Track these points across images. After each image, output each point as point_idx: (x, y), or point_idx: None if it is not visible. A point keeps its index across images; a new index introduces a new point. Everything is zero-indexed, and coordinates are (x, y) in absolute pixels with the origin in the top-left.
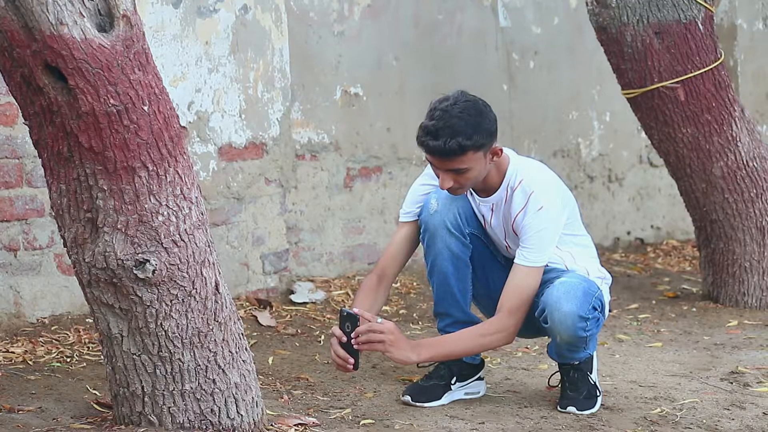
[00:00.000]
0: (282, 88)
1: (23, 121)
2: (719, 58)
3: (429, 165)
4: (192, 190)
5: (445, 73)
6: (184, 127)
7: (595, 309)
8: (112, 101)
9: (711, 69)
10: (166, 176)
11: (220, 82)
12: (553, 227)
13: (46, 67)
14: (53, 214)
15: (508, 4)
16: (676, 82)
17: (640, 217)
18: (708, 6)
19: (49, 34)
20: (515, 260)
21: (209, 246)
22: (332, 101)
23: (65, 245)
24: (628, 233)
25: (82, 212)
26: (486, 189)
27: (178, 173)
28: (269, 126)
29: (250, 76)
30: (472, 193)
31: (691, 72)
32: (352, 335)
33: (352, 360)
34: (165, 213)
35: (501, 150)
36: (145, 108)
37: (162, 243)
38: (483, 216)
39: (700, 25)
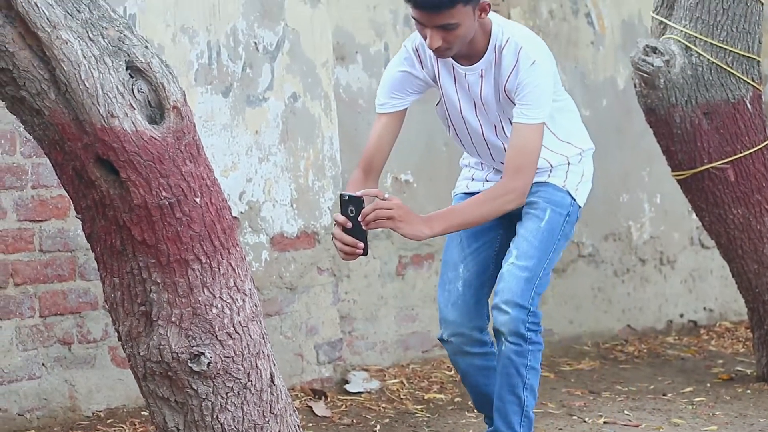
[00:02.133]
0: (333, 176)
1: (76, 214)
2: None
3: (404, 47)
4: (245, 281)
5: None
6: (236, 217)
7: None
8: (164, 194)
9: (760, 149)
10: (219, 268)
11: (270, 172)
12: (548, 80)
13: (98, 160)
14: (107, 306)
15: None
16: (726, 163)
17: (692, 299)
18: (756, 85)
19: (100, 127)
20: (514, 120)
21: (263, 338)
22: (382, 188)
23: (119, 339)
24: (681, 316)
25: (136, 305)
26: (471, 54)
27: (231, 265)
28: (321, 215)
29: (301, 165)
30: (454, 68)
31: (741, 152)
32: (359, 218)
33: (361, 244)
34: (219, 305)
35: (489, 5)
36: (197, 200)
37: (216, 335)
38: (470, 90)
39: (748, 104)
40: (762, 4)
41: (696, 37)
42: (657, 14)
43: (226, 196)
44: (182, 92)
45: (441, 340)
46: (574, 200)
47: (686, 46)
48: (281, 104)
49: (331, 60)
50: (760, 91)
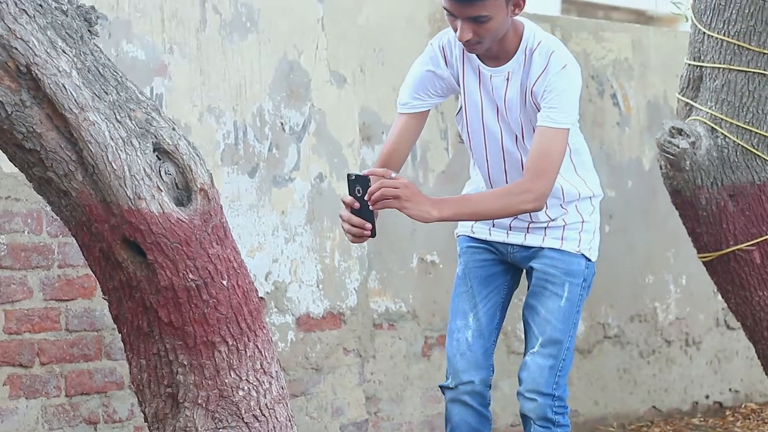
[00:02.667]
0: (359, 257)
1: (102, 295)
2: None
3: (430, 45)
4: (272, 364)
5: None
6: (262, 298)
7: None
8: (191, 276)
9: None
10: (246, 351)
11: (297, 252)
12: (576, 88)
13: (125, 242)
14: (133, 387)
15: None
16: (752, 245)
17: (718, 381)
18: None
19: (127, 209)
20: (539, 123)
21: (290, 420)
22: (409, 269)
23: (146, 420)
24: (707, 397)
25: (163, 387)
26: (500, 55)
27: (258, 347)
28: (347, 295)
29: (327, 246)
30: (480, 70)
31: (767, 234)
32: (366, 198)
33: (369, 225)
34: (245, 388)
35: (524, 1)
36: (224, 282)
37: (243, 418)
38: (494, 93)
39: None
40: None
41: (722, 118)
42: (683, 96)
43: (252, 277)
44: (209, 174)
45: (443, 387)
46: (589, 260)
47: (712, 127)
48: (307, 184)
49: (357, 140)
50: None
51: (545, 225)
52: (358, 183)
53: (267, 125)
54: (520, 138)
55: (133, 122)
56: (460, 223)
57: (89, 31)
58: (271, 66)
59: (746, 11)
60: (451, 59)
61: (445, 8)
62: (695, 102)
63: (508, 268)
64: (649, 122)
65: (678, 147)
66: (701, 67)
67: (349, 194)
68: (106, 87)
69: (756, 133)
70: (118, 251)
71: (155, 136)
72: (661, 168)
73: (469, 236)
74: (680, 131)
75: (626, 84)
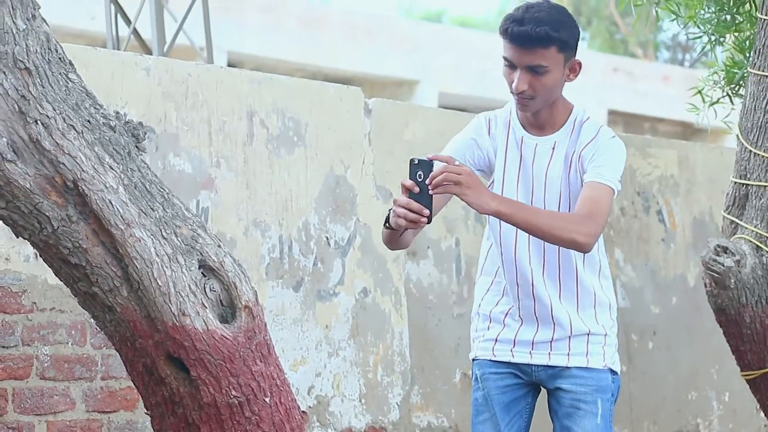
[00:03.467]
0: (402, 371)
1: (145, 410)
2: None
3: (476, 117)
4: None
5: None
6: (304, 412)
7: None
8: (234, 393)
9: None
10: None
11: (340, 366)
12: (623, 159)
13: (169, 358)
14: None
15: (626, 284)
16: None
17: None
18: None
19: (172, 325)
20: (587, 179)
21: None
22: (451, 384)
23: None
24: None
25: None
26: (547, 124)
27: None
28: (389, 410)
29: (370, 360)
30: (523, 140)
31: None
32: (428, 182)
33: (427, 211)
34: None
35: (580, 65)
36: (267, 399)
37: None
38: (535, 163)
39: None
40: None
41: (767, 237)
42: (728, 214)
43: (294, 391)
44: (254, 292)
45: None
46: (615, 373)
47: (757, 246)
48: (352, 299)
49: (402, 255)
50: None
51: (568, 335)
52: (420, 167)
53: (312, 239)
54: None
55: (179, 239)
56: (478, 346)
57: (137, 147)
58: (318, 180)
59: None
60: (495, 131)
61: (504, 58)
62: (741, 220)
63: (529, 390)
64: (695, 239)
65: (723, 265)
66: (747, 185)
67: (410, 178)
68: (153, 203)
69: None
70: (162, 367)
71: (200, 253)
72: (705, 285)
73: (489, 360)
74: (725, 249)
75: (672, 200)
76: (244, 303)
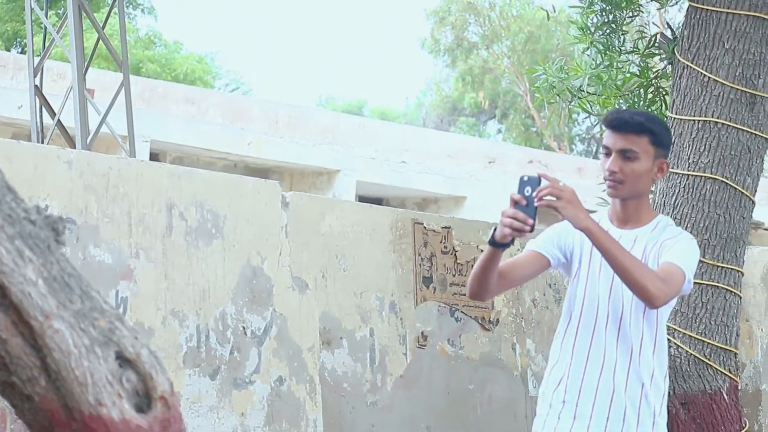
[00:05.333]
0: None
1: None
2: (744, 427)
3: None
4: None
5: None
6: None
7: None
8: None
9: None
10: None
11: None
12: (697, 258)
13: None
14: None
15: (538, 374)
16: None
17: None
18: (732, 377)
19: (89, 414)
20: (665, 259)
21: None
22: None
23: None
24: None
25: None
26: (631, 219)
27: None
28: None
29: None
30: (607, 229)
31: None
32: (534, 195)
33: (531, 221)
34: None
35: (667, 165)
36: None
37: None
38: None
39: (725, 395)
40: (740, 297)
41: (675, 329)
42: None
43: None
44: (170, 382)
45: None
46: None
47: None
48: (267, 387)
49: (317, 344)
50: (736, 382)
51: (624, 407)
52: (529, 183)
53: (229, 329)
54: (628, 308)
55: (97, 331)
56: (543, 424)
57: (56, 240)
58: (235, 271)
59: (701, 225)
60: None
61: (603, 146)
62: None
63: None
64: None
65: None
66: None
67: (518, 192)
68: (71, 296)
69: (708, 343)
70: None
71: (117, 345)
72: None
73: None
74: None
75: None
76: (159, 393)
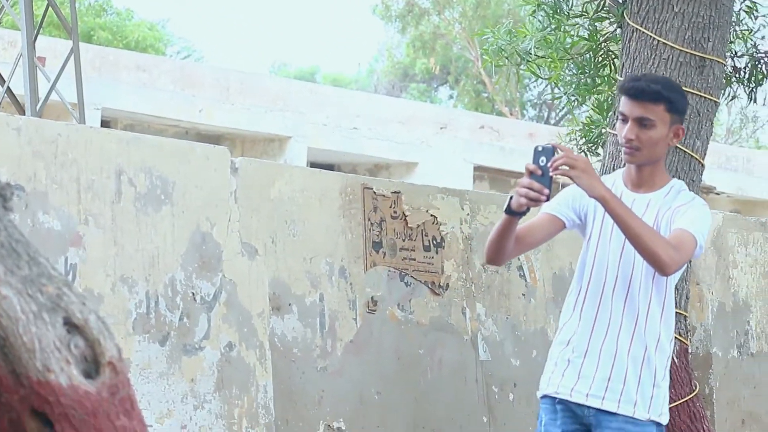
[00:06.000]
0: (266, 424)
1: None
2: (694, 390)
3: None
4: None
5: (426, 406)
6: None
7: None
8: None
9: (686, 401)
10: None
11: (205, 419)
12: (709, 224)
13: (34, 413)
14: None
15: (488, 338)
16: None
17: None
18: (683, 339)
19: (37, 381)
20: (677, 225)
21: None
22: None
23: None
24: None
25: None
26: (646, 183)
27: None
28: None
29: (235, 413)
30: (622, 195)
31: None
32: (549, 164)
33: (547, 190)
34: None
35: (683, 131)
36: None
37: None
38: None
39: (675, 358)
40: (690, 260)
41: None
42: None
43: None
44: (118, 348)
45: None
46: (659, 425)
47: None
48: (217, 353)
49: (267, 310)
50: (687, 345)
51: (626, 369)
52: (543, 153)
53: (179, 295)
54: (639, 269)
55: (45, 297)
56: (548, 381)
57: (4, 206)
58: (184, 237)
59: None
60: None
61: (620, 113)
62: None
63: None
64: (555, 293)
65: None
66: None
67: (532, 163)
68: (19, 262)
69: None
70: (27, 422)
71: (65, 311)
72: None
73: (548, 396)
74: None
75: (533, 256)
76: (107, 359)
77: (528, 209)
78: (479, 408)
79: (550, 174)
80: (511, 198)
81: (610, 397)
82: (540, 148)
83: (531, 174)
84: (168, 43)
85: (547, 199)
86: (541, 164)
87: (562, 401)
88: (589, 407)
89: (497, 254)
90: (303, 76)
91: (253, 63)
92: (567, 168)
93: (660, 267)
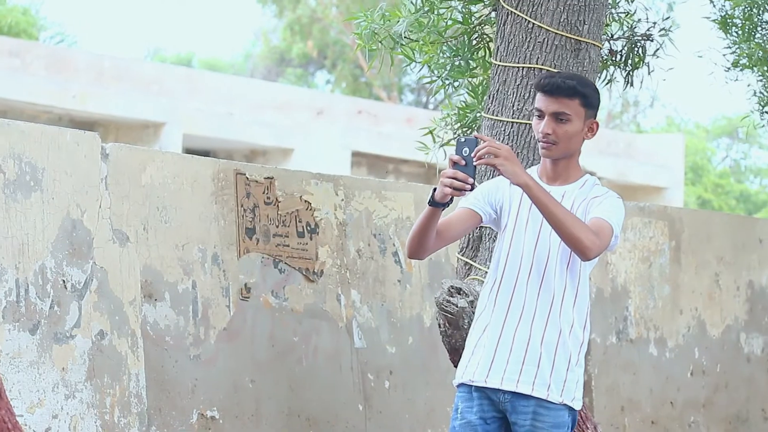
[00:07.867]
0: (138, 413)
1: None
2: None
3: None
4: None
5: (301, 394)
6: None
7: None
8: None
9: None
10: None
11: (77, 408)
12: (623, 217)
13: None
14: None
15: (363, 325)
16: None
17: None
18: None
19: None
20: (594, 214)
21: None
22: (189, 425)
23: None
24: None
25: None
26: (561, 176)
27: None
28: None
29: (107, 402)
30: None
31: None
32: (472, 154)
33: (471, 180)
34: None
35: (597, 126)
36: None
37: None
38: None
39: None
40: None
41: None
42: (462, 255)
43: None
44: None
45: None
46: (573, 409)
47: None
48: (88, 341)
49: (139, 298)
50: None
51: (539, 353)
52: (466, 144)
53: (49, 283)
54: (554, 257)
55: None
56: (464, 369)
57: None
58: (54, 224)
59: None
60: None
61: (536, 109)
62: (474, 261)
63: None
64: (431, 280)
65: (456, 306)
66: (481, 227)
67: (456, 154)
68: None
69: None
70: None
71: None
72: (439, 326)
73: (464, 384)
74: (459, 290)
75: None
76: None
77: (451, 200)
78: (355, 396)
79: (474, 164)
80: (434, 190)
81: (524, 380)
82: (463, 139)
83: (455, 164)
84: (42, 27)
85: (472, 189)
86: (464, 155)
87: (478, 389)
88: (504, 392)
89: (419, 248)
90: (179, 62)
91: (129, 48)
92: (491, 156)
93: (581, 251)
